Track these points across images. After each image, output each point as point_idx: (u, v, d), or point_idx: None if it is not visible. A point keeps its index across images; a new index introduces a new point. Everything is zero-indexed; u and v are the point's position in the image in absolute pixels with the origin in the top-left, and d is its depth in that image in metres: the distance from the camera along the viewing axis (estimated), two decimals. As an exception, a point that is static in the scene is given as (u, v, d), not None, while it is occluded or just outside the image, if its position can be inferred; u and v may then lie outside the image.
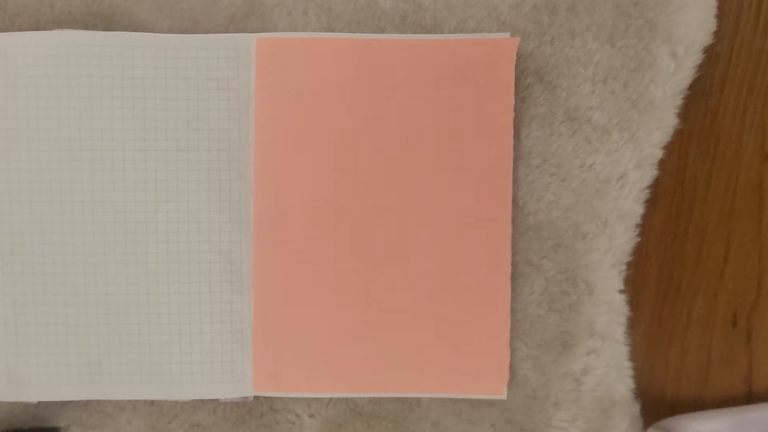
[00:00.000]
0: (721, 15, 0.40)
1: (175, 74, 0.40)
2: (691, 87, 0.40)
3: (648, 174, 0.41)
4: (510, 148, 0.40)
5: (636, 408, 0.42)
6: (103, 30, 0.40)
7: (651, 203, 0.41)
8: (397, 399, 0.42)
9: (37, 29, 0.40)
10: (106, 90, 0.40)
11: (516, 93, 0.40)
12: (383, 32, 0.40)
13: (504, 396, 0.41)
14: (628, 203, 0.41)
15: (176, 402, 0.42)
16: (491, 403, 0.42)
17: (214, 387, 0.41)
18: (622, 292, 0.41)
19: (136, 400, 0.42)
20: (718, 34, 0.40)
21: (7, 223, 0.40)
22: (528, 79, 0.40)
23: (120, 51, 0.40)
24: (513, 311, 0.41)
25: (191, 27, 0.41)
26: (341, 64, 0.40)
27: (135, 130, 0.40)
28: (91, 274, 0.41)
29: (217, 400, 0.42)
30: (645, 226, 0.42)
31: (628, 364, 0.42)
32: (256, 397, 0.42)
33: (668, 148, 0.41)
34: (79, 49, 0.40)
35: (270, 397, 0.42)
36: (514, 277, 0.41)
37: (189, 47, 0.40)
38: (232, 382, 0.42)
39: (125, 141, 0.40)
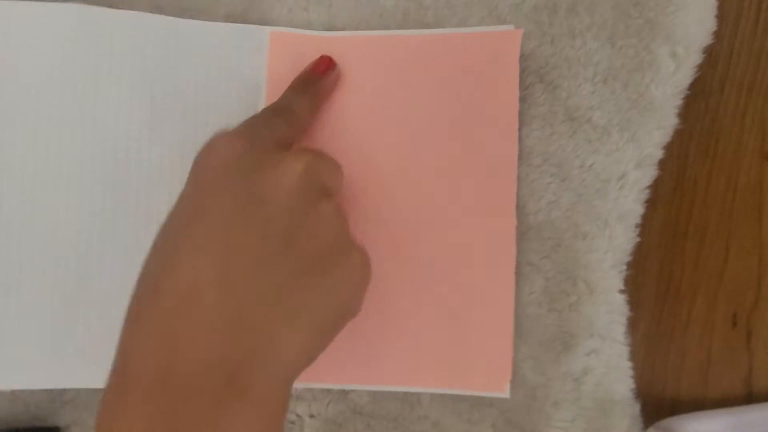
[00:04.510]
0: (721, 15, 0.40)
1: (187, 60, 0.40)
2: (691, 87, 0.40)
3: (648, 174, 0.41)
4: (515, 142, 0.40)
5: (636, 408, 0.42)
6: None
7: (651, 203, 0.41)
8: (397, 398, 0.42)
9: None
10: (115, 69, 0.39)
11: (516, 93, 0.40)
12: (385, 29, 0.40)
13: (507, 394, 0.41)
14: (628, 203, 0.41)
15: (176, 401, 0.42)
16: (491, 403, 0.42)
17: None
18: (622, 292, 0.41)
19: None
20: (718, 34, 0.40)
21: (13, 194, 0.39)
22: (528, 79, 0.40)
23: (132, 31, 0.39)
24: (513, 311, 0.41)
25: (191, 24, 0.41)
26: (349, 60, 0.40)
27: (142, 113, 0.40)
28: (89, 259, 0.40)
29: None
30: (645, 226, 0.42)
31: (628, 364, 0.42)
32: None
33: (668, 148, 0.41)
34: (92, 25, 0.39)
35: (270, 397, 0.42)
36: (514, 278, 0.41)
37: (202, 34, 0.40)
38: None
39: (131, 124, 0.40)
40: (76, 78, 0.39)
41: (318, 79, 0.39)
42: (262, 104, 0.40)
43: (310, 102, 0.38)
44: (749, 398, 0.44)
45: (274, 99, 0.40)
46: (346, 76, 0.40)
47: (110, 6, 0.40)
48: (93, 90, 0.40)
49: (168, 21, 0.40)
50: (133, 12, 0.40)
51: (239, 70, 0.40)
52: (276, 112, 0.36)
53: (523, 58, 0.40)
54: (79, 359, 0.40)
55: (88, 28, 0.39)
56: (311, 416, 0.43)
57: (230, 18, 0.41)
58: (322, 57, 0.40)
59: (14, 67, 0.39)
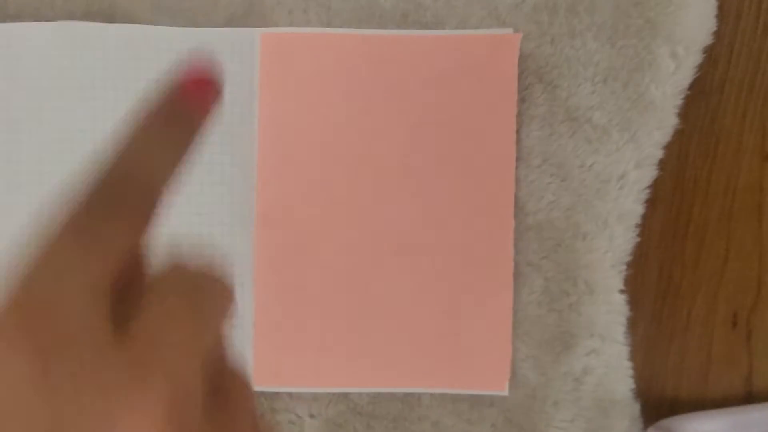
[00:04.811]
0: (721, 15, 0.40)
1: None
2: (691, 87, 0.40)
3: (648, 174, 0.41)
4: (512, 145, 0.40)
5: (636, 408, 0.42)
6: (104, 29, 0.40)
7: (651, 203, 0.41)
8: (397, 399, 0.42)
9: (37, 29, 0.40)
10: (109, 82, 0.40)
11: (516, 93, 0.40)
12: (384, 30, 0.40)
13: (505, 392, 0.41)
14: (628, 203, 0.41)
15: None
16: (491, 403, 0.42)
17: None
18: (622, 292, 0.41)
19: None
20: (718, 34, 0.40)
21: (6, 215, 0.40)
22: (528, 79, 0.40)
23: (123, 43, 0.40)
24: (513, 311, 0.41)
25: (191, 25, 0.41)
26: (345, 59, 0.40)
27: None
28: None
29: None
30: (645, 226, 0.42)
31: (628, 364, 0.42)
32: (256, 395, 0.42)
33: (668, 148, 0.41)
34: (81, 41, 0.40)
35: (270, 398, 0.42)
36: (514, 277, 0.41)
37: (192, 41, 0.40)
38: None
39: None
40: (72, 92, 0.40)
41: (191, 113, 0.22)
42: (255, 108, 0.40)
43: (177, 158, 0.21)
44: (749, 398, 0.44)
45: (268, 102, 0.40)
46: (341, 75, 0.40)
47: (112, 16, 0.40)
48: (87, 104, 0.40)
49: (157, 30, 0.40)
50: (121, 25, 0.40)
51: (232, 75, 0.40)
52: (114, 193, 0.19)
53: (523, 58, 0.40)
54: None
55: (78, 44, 0.40)
56: (311, 416, 0.43)
57: (231, 20, 0.41)
58: (193, 72, 0.22)
59: (12, 87, 0.40)
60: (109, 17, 0.41)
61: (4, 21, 0.40)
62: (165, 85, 0.22)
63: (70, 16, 0.40)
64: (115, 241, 0.18)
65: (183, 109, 0.22)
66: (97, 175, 0.19)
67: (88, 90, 0.40)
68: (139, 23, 0.40)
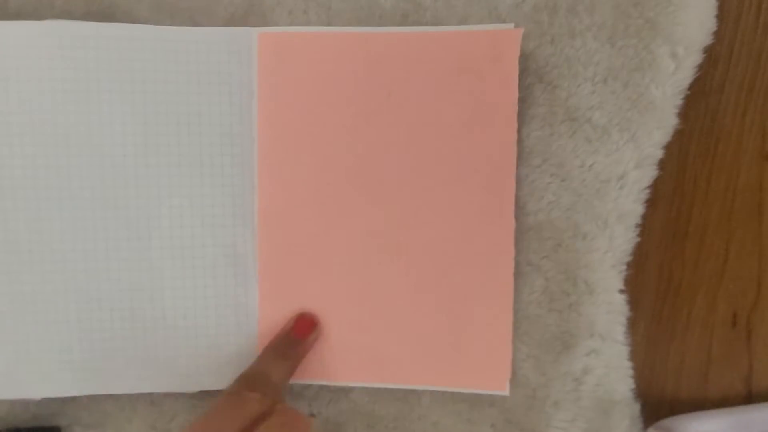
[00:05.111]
0: (721, 15, 0.40)
1: (176, 68, 0.40)
2: (691, 87, 0.40)
3: (648, 174, 0.41)
4: (513, 143, 0.40)
5: (636, 408, 0.42)
6: (104, 29, 0.40)
7: (651, 203, 0.41)
8: (398, 398, 0.42)
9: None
10: (105, 83, 0.40)
11: (516, 93, 0.40)
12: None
13: (506, 392, 0.41)
14: (628, 203, 0.41)
15: (176, 401, 0.42)
16: (491, 403, 0.42)
17: (221, 378, 0.41)
18: (622, 292, 0.41)
19: (137, 400, 0.42)
20: (718, 34, 0.40)
21: (2, 220, 0.40)
22: (528, 79, 0.40)
23: (119, 43, 0.40)
24: (513, 311, 0.41)
25: (191, 26, 0.41)
26: (343, 57, 0.40)
27: (135, 124, 0.40)
28: (92, 270, 0.41)
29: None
30: (645, 226, 0.42)
31: (628, 364, 0.42)
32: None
33: (668, 148, 0.41)
34: (77, 40, 0.39)
35: (270, 397, 0.42)
36: (515, 277, 0.41)
37: (189, 40, 0.40)
38: (238, 373, 0.41)
39: (126, 135, 0.40)
40: (68, 93, 0.40)
41: (299, 343, 0.40)
42: (255, 108, 0.40)
43: (289, 367, 0.39)
44: (749, 398, 0.44)
45: (267, 102, 0.40)
46: (339, 73, 0.40)
47: (112, 15, 0.40)
48: (86, 104, 0.40)
49: (154, 30, 0.40)
50: (117, 24, 0.40)
51: (230, 75, 0.40)
52: (251, 381, 0.36)
53: (523, 58, 0.40)
54: (87, 368, 0.41)
55: (76, 44, 0.39)
56: (311, 415, 0.43)
57: (231, 20, 0.41)
58: (303, 318, 0.41)
59: (7, 87, 0.39)
60: (109, 16, 0.41)
61: (4, 19, 0.40)
62: (286, 325, 0.41)
63: (69, 15, 0.40)
64: (252, 406, 0.34)
65: (295, 338, 0.40)
66: (246, 370, 0.38)
67: (83, 92, 0.40)
68: (139, 22, 0.40)
